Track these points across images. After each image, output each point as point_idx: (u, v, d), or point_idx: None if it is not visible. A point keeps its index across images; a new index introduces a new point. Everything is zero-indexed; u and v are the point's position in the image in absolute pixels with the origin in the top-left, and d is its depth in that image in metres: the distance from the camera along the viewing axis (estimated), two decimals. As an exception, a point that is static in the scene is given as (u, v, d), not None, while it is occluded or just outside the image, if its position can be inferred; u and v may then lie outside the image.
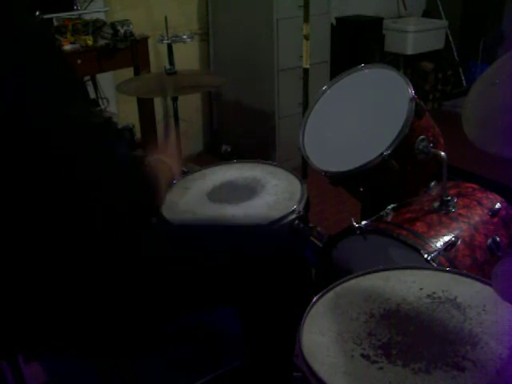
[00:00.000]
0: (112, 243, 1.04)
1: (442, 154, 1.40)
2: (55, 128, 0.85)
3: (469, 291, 1.02)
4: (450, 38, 4.17)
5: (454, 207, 1.44)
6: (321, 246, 1.78)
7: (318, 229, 2.19)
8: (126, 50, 2.47)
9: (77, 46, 2.34)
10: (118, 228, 0.97)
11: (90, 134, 0.91)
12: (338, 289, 1.06)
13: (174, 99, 2.09)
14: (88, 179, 0.89)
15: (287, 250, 1.18)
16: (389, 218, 1.45)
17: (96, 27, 2.44)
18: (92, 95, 2.80)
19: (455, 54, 4.25)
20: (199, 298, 1.13)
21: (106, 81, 2.84)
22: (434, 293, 1.02)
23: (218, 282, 1.11)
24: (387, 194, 1.60)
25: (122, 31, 2.42)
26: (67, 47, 2.30)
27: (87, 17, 2.56)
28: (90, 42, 2.37)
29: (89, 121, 0.92)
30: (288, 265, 1.16)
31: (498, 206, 1.46)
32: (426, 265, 1.24)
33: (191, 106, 3.40)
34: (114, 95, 2.89)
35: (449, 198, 1.44)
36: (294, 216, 1.40)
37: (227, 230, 1.23)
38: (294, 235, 1.41)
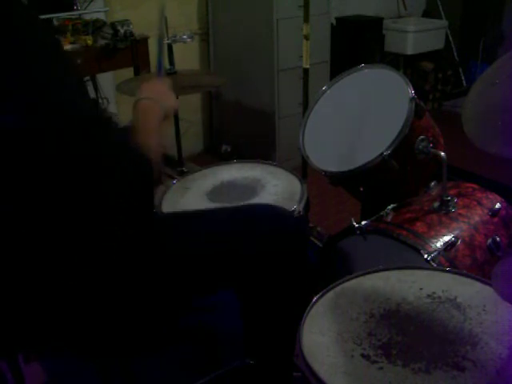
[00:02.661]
0: (113, 240, 1.05)
1: (442, 154, 1.40)
2: (61, 126, 0.85)
3: (469, 291, 1.02)
4: (450, 38, 4.17)
5: (453, 207, 1.44)
6: (321, 246, 1.78)
7: (318, 229, 2.19)
8: (126, 49, 2.47)
9: (77, 46, 2.34)
10: (125, 215, 0.99)
11: (94, 127, 0.91)
12: (337, 289, 1.06)
13: (174, 99, 2.08)
14: (95, 170, 0.90)
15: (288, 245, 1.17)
16: (389, 218, 1.45)
17: (96, 27, 2.44)
18: (92, 95, 2.80)
19: (455, 54, 4.25)
20: (201, 283, 1.12)
21: (106, 81, 2.84)
22: (434, 293, 1.02)
23: (217, 271, 1.11)
24: (387, 194, 1.60)
25: (121, 31, 2.42)
26: (67, 47, 2.30)
27: (87, 17, 2.56)
28: (89, 42, 2.37)
29: (91, 114, 0.93)
30: (288, 264, 1.16)
31: (497, 206, 1.46)
32: (425, 265, 1.24)
33: (191, 106, 3.40)
34: (113, 95, 2.89)
35: (449, 197, 1.44)
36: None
37: (227, 215, 1.23)
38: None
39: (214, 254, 1.10)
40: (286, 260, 1.15)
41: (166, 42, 1.82)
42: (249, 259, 1.12)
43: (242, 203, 1.48)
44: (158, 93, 1.18)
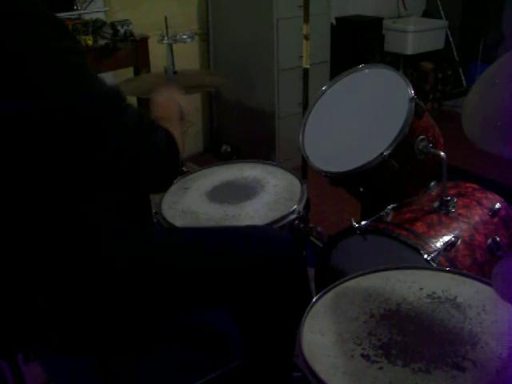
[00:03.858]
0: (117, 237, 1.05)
1: (442, 154, 1.40)
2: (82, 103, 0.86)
3: (469, 291, 1.02)
4: (450, 38, 4.17)
5: (453, 207, 1.44)
6: (321, 246, 1.78)
7: (318, 229, 2.19)
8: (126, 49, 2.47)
9: (77, 46, 2.34)
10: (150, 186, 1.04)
11: (113, 105, 0.92)
12: (338, 289, 1.06)
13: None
14: (115, 149, 0.90)
15: (287, 252, 1.17)
16: (389, 218, 1.45)
17: (96, 27, 2.44)
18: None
19: (455, 53, 4.25)
20: (198, 297, 1.13)
21: (106, 81, 2.83)
22: (434, 293, 1.02)
23: (218, 281, 1.11)
24: (387, 194, 1.60)
25: (122, 31, 2.42)
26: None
27: (87, 17, 2.56)
28: (90, 42, 2.37)
29: (111, 91, 0.93)
30: (288, 265, 1.16)
31: (497, 206, 1.46)
32: (426, 265, 1.24)
33: (191, 106, 3.40)
34: (113, 95, 2.89)
35: (449, 197, 1.44)
36: (294, 216, 1.40)
37: (226, 231, 1.23)
38: (294, 235, 1.41)
39: (211, 269, 1.10)
40: (284, 273, 1.14)
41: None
42: (245, 273, 1.12)
43: (241, 203, 1.48)
44: (173, 94, 1.24)
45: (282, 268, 1.13)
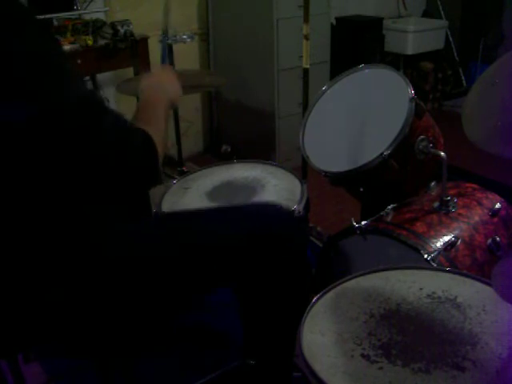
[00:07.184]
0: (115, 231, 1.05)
1: (442, 154, 1.40)
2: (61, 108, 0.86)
3: (469, 291, 1.02)
4: (450, 38, 4.17)
5: (454, 207, 1.44)
6: (321, 246, 1.78)
7: (318, 229, 2.19)
8: (126, 49, 2.47)
9: (77, 46, 2.34)
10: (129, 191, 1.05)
11: (90, 109, 0.93)
12: (338, 289, 1.06)
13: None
14: (93, 152, 0.91)
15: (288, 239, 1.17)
16: (389, 218, 1.45)
17: (96, 27, 2.44)
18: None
19: (455, 53, 4.25)
20: (201, 280, 1.12)
21: (106, 81, 2.84)
22: (434, 293, 1.02)
23: (217, 270, 1.11)
24: (387, 194, 1.60)
25: (122, 31, 2.42)
26: (67, 47, 2.30)
27: (87, 17, 2.56)
28: (90, 42, 2.37)
29: (87, 95, 0.94)
30: (288, 264, 1.16)
31: (497, 206, 1.46)
32: (426, 265, 1.24)
33: (191, 106, 3.40)
34: (113, 95, 2.89)
35: (449, 197, 1.44)
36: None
37: (223, 210, 1.24)
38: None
39: (213, 253, 1.10)
40: (286, 260, 1.15)
41: (169, 32, 1.90)
42: (248, 258, 1.12)
43: (242, 203, 1.48)
44: (161, 81, 1.25)
45: (282, 265, 1.13)
